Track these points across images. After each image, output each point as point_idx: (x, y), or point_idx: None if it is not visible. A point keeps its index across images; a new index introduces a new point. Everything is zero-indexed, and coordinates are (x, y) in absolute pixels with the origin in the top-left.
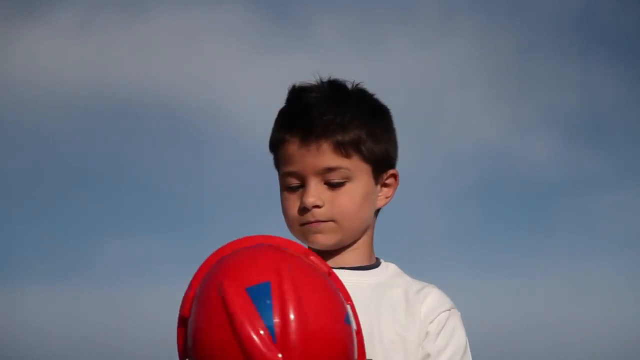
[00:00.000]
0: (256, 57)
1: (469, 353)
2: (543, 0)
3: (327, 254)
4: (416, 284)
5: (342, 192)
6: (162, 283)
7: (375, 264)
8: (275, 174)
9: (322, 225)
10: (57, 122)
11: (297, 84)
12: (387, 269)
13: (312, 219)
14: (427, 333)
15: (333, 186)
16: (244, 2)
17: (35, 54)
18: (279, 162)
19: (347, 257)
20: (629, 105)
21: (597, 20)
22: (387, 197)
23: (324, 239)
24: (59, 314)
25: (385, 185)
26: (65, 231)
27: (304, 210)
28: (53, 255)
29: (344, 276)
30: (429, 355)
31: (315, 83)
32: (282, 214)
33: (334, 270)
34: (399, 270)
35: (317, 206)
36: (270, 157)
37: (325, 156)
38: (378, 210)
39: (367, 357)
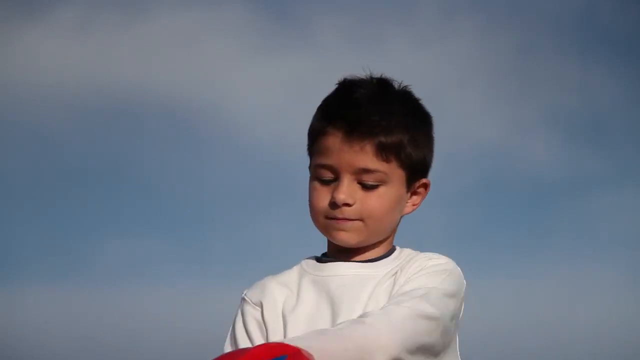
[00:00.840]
0: (256, 57)
1: (445, 294)
2: (543, 0)
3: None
4: (415, 252)
5: (374, 194)
6: (162, 283)
7: (388, 253)
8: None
9: (350, 223)
10: (57, 122)
11: (347, 77)
12: (400, 254)
13: (340, 216)
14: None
15: (367, 187)
16: (244, 2)
17: (35, 54)
18: (314, 151)
19: (361, 251)
20: (628, 105)
21: (597, 20)
22: (414, 205)
23: (348, 237)
24: (59, 314)
25: (415, 193)
26: (65, 231)
27: (333, 205)
28: (53, 255)
29: (348, 269)
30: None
31: (365, 78)
32: (307, 203)
33: (340, 264)
34: (409, 251)
35: (348, 204)
36: (270, 158)
37: (366, 156)
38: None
39: None
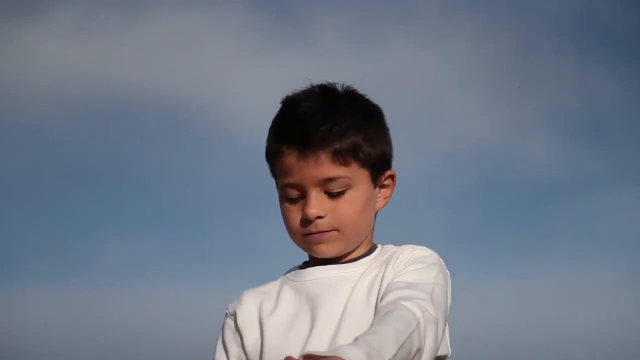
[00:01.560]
0: (256, 57)
1: (442, 289)
2: (543, 0)
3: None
4: (392, 250)
5: (343, 201)
6: (162, 283)
7: (369, 252)
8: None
9: (326, 235)
10: (57, 122)
11: (290, 94)
12: (382, 250)
13: (314, 230)
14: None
15: (334, 195)
16: (243, 2)
17: (35, 54)
18: (276, 173)
19: (342, 255)
20: (628, 105)
21: (596, 20)
22: (385, 198)
23: (328, 249)
24: (59, 314)
25: (383, 186)
26: (65, 231)
27: (306, 221)
28: (53, 255)
29: (328, 271)
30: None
31: (307, 90)
32: (283, 223)
33: (319, 268)
34: (391, 247)
35: (320, 217)
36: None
37: (324, 167)
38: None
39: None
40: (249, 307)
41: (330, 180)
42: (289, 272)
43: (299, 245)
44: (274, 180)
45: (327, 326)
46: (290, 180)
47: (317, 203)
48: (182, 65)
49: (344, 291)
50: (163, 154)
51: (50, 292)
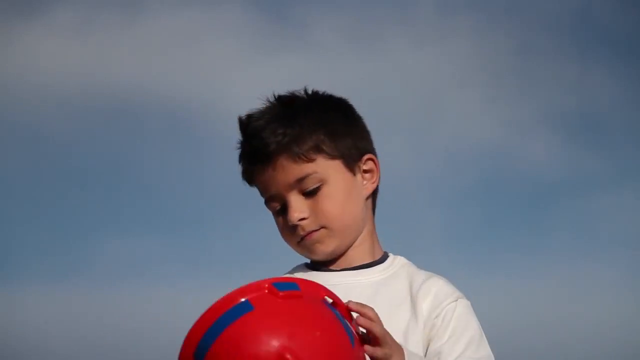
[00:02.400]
0: (255, 57)
1: (485, 341)
2: (542, 0)
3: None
4: (421, 276)
5: (321, 197)
6: (162, 283)
7: (381, 259)
8: None
9: (316, 235)
10: (57, 122)
11: (245, 115)
12: (394, 262)
13: (303, 233)
14: (432, 328)
15: (311, 194)
16: (243, 3)
17: (35, 54)
18: (259, 192)
19: (350, 256)
20: (628, 105)
21: (596, 20)
22: (373, 182)
23: (324, 247)
24: (59, 314)
25: (366, 172)
26: (65, 231)
27: (293, 227)
28: (53, 255)
29: (345, 277)
30: (439, 353)
31: (264, 104)
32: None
33: (336, 272)
34: (406, 262)
35: (303, 219)
36: None
37: (289, 169)
38: (374, 199)
39: None
40: None
41: (300, 180)
42: (295, 271)
43: (299, 252)
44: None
45: None
46: (268, 194)
47: (296, 206)
48: (181, 65)
49: (362, 299)
50: (163, 154)
51: (50, 292)
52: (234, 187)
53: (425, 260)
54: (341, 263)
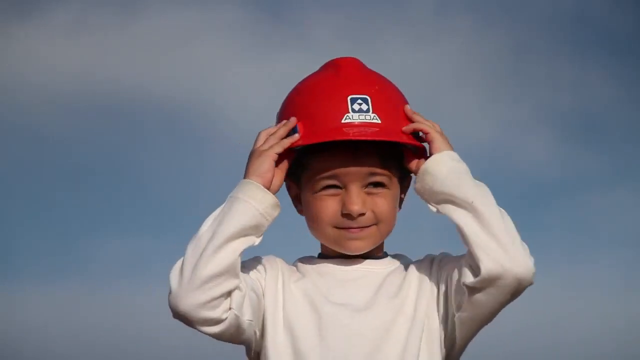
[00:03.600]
0: (253, 57)
1: None
2: (540, 0)
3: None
4: (414, 260)
5: (381, 197)
6: (161, 283)
7: (384, 255)
8: None
9: (366, 231)
10: (55, 122)
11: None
12: (394, 258)
13: (354, 225)
14: (436, 275)
15: (373, 192)
16: (240, 2)
17: (32, 55)
18: (312, 163)
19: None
20: (624, 104)
21: (592, 20)
22: (401, 202)
23: (362, 246)
24: (59, 314)
25: (402, 190)
26: (64, 231)
27: (347, 216)
28: (52, 255)
29: (358, 265)
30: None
31: None
32: (305, 212)
33: (343, 260)
34: (403, 256)
35: (362, 214)
36: None
37: (373, 158)
38: None
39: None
40: (279, 269)
41: (372, 175)
42: (301, 260)
43: (326, 239)
44: (299, 171)
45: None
46: (329, 173)
47: (359, 199)
48: (179, 64)
49: (373, 284)
50: (161, 153)
51: (50, 292)
52: (232, 186)
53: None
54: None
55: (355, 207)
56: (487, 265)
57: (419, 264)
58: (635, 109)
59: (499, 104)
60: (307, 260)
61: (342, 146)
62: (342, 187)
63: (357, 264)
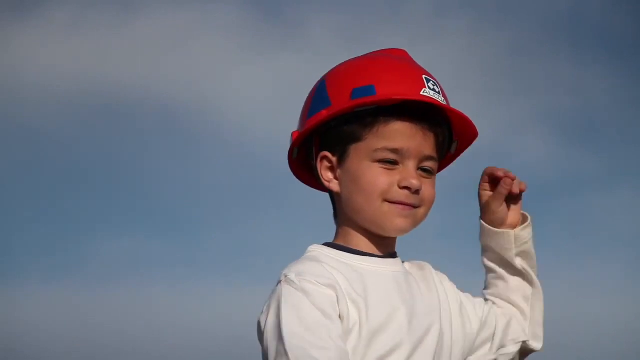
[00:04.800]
0: (250, 56)
1: None
2: (537, 0)
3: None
4: (420, 263)
5: (430, 182)
6: (160, 283)
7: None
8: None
9: (413, 210)
10: (54, 122)
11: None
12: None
13: (407, 201)
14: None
15: (425, 176)
16: (237, 2)
17: (30, 54)
18: (374, 131)
19: (392, 245)
20: (622, 104)
21: (590, 20)
22: None
23: (405, 224)
24: (58, 313)
25: None
26: (64, 231)
27: (402, 188)
28: (52, 255)
29: (387, 266)
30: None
31: None
32: (353, 182)
33: (381, 258)
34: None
35: (418, 190)
36: (265, 157)
37: (431, 144)
38: None
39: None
40: (344, 283)
41: (429, 158)
42: (320, 248)
43: (370, 211)
44: (352, 135)
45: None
46: (394, 145)
47: (417, 176)
48: (176, 64)
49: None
50: (159, 153)
51: (50, 292)
52: (231, 186)
53: (423, 259)
54: (389, 247)
55: (416, 182)
56: (541, 345)
57: (439, 276)
58: (635, 109)
59: (498, 104)
60: (339, 254)
61: (409, 123)
62: (399, 163)
63: (389, 266)
